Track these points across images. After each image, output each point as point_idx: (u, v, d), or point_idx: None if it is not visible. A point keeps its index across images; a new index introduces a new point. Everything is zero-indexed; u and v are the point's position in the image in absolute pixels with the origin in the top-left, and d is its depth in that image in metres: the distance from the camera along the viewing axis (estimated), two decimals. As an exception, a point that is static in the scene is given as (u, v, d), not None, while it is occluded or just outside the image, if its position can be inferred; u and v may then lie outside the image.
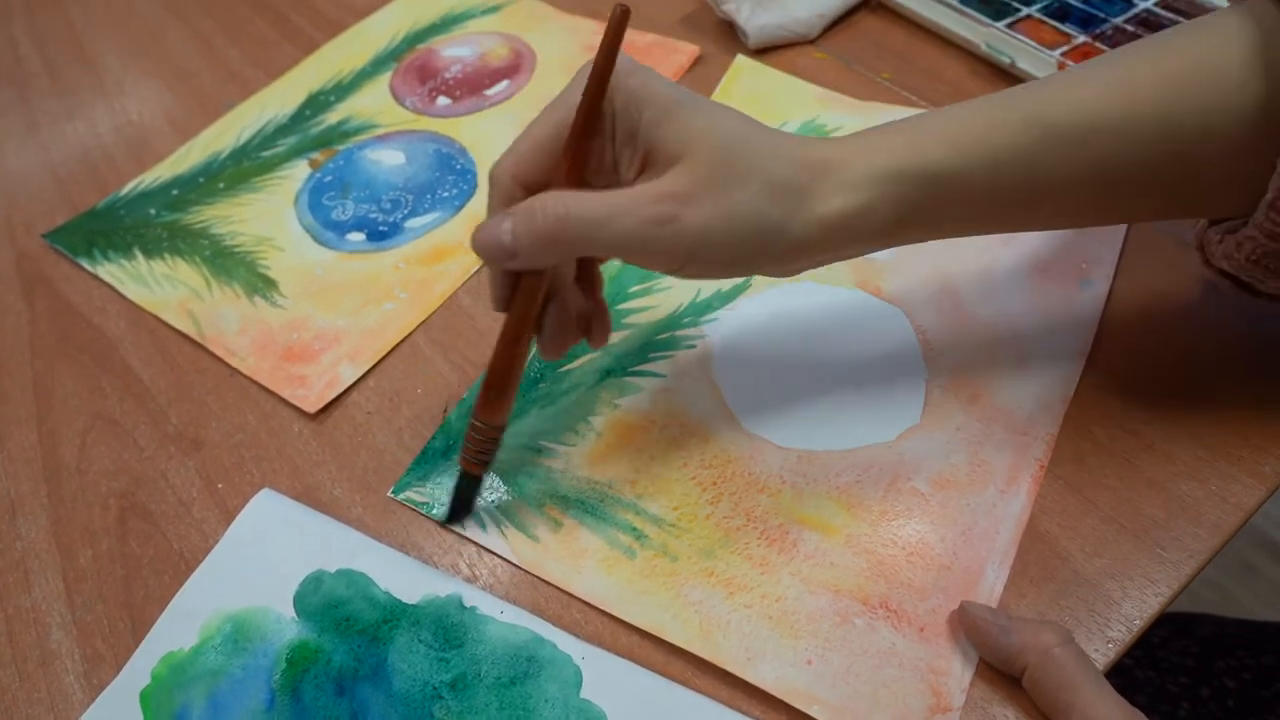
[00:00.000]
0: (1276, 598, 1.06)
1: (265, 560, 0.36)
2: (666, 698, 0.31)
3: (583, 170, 0.32)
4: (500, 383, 0.33)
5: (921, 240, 0.34)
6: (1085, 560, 0.33)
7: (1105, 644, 0.31)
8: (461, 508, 0.37)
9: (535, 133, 0.32)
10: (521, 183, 0.32)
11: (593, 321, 0.34)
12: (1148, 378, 0.38)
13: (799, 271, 0.33)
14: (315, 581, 0.35)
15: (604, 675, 0.32)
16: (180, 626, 0.35)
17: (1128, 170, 0.31)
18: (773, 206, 0.30)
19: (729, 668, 0.32)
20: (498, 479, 0.38)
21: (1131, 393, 0.37)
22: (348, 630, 0.34)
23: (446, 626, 0.34)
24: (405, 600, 0.34)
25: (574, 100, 0.31)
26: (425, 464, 0.39)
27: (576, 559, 0.35)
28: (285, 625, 0.34)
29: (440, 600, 0.34)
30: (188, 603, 0.35)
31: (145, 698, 0.33)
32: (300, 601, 0.35)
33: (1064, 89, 0.32)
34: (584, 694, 0.32)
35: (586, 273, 0.35)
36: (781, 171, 0.30)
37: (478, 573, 0.36)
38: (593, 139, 0.31)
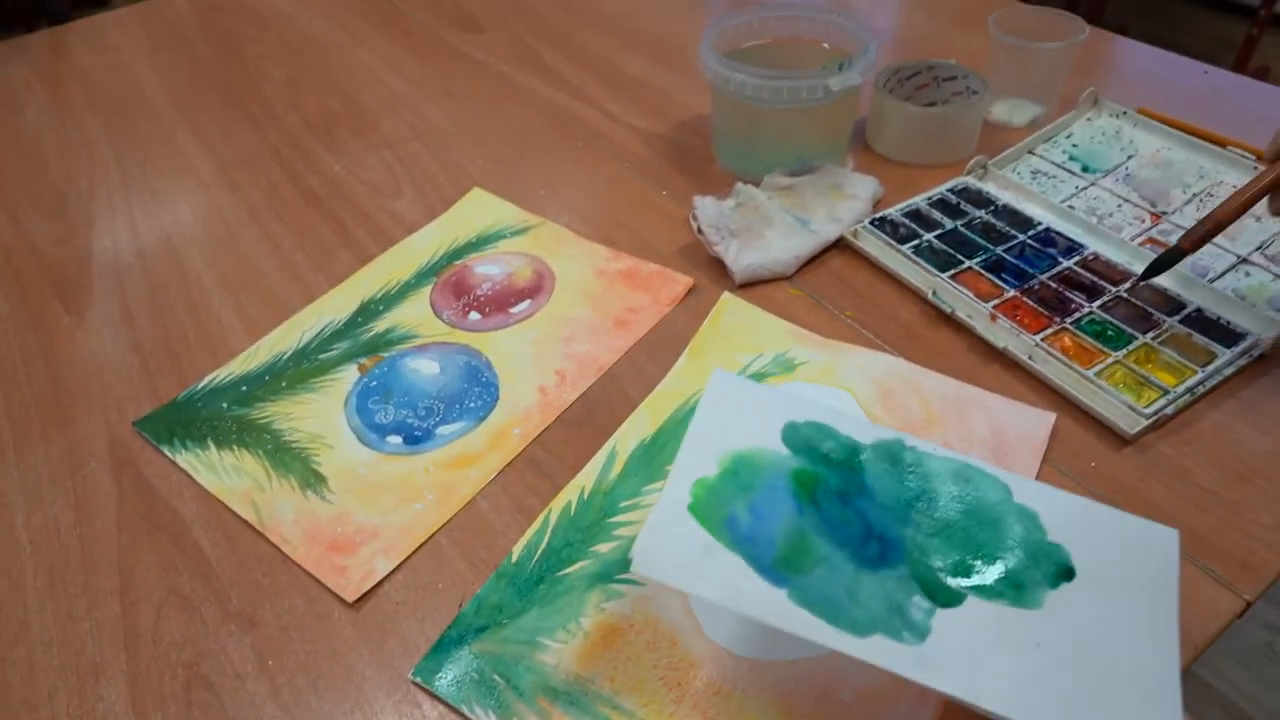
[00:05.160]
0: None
1: (743, 416, 0.46)
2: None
3: None
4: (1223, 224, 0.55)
5: None
6: (978, 771, 0.40)
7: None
8: (1157, 272, 0.59)
9: None
10: None
11: None
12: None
13: None
14: (793, 429, 0.46)
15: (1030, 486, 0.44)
16: (697, 463, 0.44)
17: None
18: None
19: None
20: (497, 674, 0.46)
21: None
22: (830, 462, 0.44)
23: (900, 458, 0.45)
24: (863, 441, 0.45)
25: None
26: (440, 652, 0.47)
27: (561, 747, 0.43)
28: (785, 458, 0.44)
29: (889, 440, 0.46)
30: (694, 446, 0.45)
31: (694, 510, 0.42)
32: (788, 442, 0.45)
33: None
34: (1016, 499, 0.43)
35: None
36: None
37: (479, 754, 0.43)
38: None
